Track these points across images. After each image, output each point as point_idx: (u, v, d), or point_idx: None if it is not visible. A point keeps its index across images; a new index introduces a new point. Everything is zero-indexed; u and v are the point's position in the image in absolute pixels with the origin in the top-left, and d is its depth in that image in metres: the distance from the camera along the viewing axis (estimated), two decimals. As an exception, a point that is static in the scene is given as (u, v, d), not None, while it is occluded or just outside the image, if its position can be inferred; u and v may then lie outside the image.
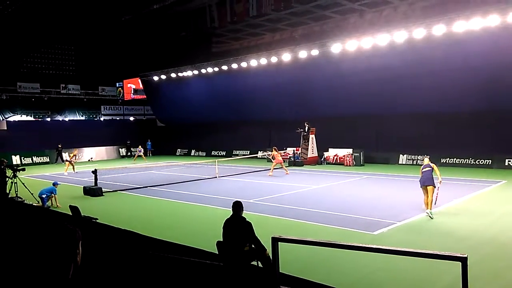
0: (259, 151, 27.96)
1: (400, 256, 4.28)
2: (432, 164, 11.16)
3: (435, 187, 10.81)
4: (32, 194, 14.04)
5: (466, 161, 21.93)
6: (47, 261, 2.35)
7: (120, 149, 36.53)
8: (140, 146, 31.83)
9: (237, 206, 6.49)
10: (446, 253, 3.55)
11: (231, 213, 6.56)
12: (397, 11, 25.08)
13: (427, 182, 10.89)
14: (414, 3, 23.95)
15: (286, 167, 21.67)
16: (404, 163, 23.80)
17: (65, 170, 23.95)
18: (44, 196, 13.52)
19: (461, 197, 13.37)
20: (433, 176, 10.94)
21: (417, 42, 20.71)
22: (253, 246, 6.30)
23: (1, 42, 32.00)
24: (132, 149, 35.14)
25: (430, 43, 20.42)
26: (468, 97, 20.49)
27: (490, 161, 21.17)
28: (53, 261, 2.34)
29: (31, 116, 37.66)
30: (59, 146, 27.88)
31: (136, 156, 30.91)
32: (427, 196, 10.87)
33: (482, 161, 21.45)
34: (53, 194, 13.73)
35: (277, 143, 24.92)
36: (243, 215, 6.54)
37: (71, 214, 9.40)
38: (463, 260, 3.30)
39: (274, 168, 20.91)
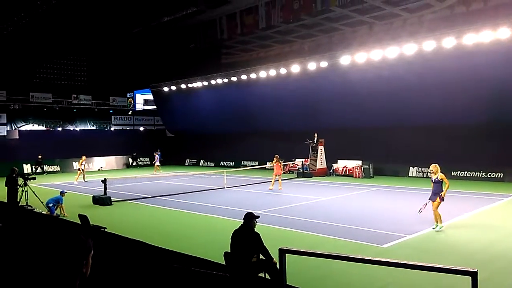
0: (267, 162, 27.91)
1: (410, 269, 4.23)
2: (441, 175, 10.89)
3: (434, 202, 10.76)
4: (42, 202, 14.17)
5: (477, 174, 21.64)
6: (54, 270, 2.37)
7: (129, 159, 36.80)
8: (158, 150, 31.10)
9: (248, 217, 6.49)
10: (456, 267, 3.50)
11: (240, 224, 6.54)
12: (406, 23, 25.14)
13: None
14: (423, 15, 24.00)
15: (281, 181, 19.86)
16: (414, 175, 23.57)
17: (75, 179, 24.17)
18: (51, 205, 13.62)
19: (471, 211, 13.19)
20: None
21: (426, 54, 20.65)
22: (261, 257, 6.27)
23: (15, 53, 32.70)
24: (139, 159, 35.30)
25: (439, 55, 20.35)
26: (478, 109, 20.33)
27: (502, 174, 20.86)
28: (60, 271, 2.35)
29: (43, 125, 38.24)
30: (39, 157, 29.04)
31: (156, 166, 30.55)
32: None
33: (493, 175, 21.15)
34: (60, 204, 13.81)
35: (286, 154, 24.76)
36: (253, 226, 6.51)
37: (80, 222, 9.45)
38: (473, 275, 3.27)
39: (275, 181, 19.74)
